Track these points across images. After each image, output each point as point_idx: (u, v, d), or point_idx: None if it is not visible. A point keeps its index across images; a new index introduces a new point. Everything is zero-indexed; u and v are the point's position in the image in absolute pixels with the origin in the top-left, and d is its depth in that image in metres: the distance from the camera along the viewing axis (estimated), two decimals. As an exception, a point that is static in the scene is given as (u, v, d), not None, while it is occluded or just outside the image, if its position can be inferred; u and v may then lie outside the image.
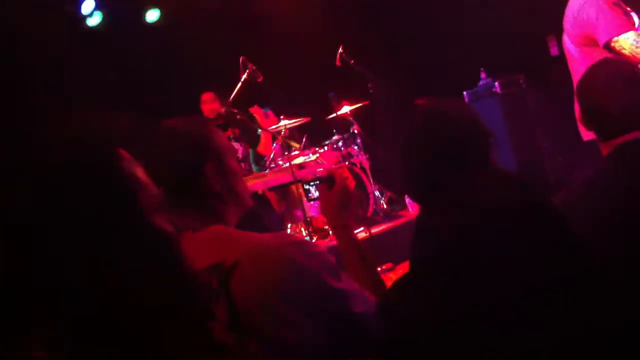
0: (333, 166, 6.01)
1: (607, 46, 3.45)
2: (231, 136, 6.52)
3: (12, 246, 0.90)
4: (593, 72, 2.16)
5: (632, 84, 2.09)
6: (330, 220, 1.86)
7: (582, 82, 2.17)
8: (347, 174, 1.89)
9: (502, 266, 1.27)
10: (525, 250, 1.29)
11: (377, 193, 6.44)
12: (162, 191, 1.52)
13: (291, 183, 4.95)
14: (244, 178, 1.81)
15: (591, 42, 3.52)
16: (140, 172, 1.06)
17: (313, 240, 5.54)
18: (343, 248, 1.81)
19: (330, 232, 5.44)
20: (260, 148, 6.65)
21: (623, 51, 3.42)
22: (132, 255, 0.96)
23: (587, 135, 3.43)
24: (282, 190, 6.12)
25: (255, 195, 5.80)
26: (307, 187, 6.07)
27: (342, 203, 1.83)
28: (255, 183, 5.73)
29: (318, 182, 1.92)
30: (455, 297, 1.29)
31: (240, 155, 6.62)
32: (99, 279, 0.93)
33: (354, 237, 1.82)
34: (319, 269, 1.46)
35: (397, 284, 1.50)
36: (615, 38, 3.42)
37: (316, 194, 6.53)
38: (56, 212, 0.91)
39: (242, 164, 6.60)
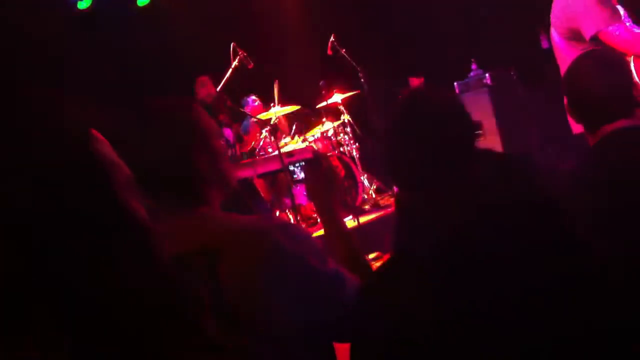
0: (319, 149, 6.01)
1: (594, 39, 3.47)
2: (222, 122, 6.50)
3: (12, 246, 0.89)
4: (578, 62, 2.18)
5: (615, 71, 2.11)
6: (316, 203, 1.86)
7: (568, 72, 2.19)
8: (336, 162, 1.89)
9: (501, 265, 1.27)
10: (525, 248, 1.29)
11: (366, 182, 6.44)
12: (147, 176, 1.51)
13: (280, 171, 4.93)
14: (233, 164, 1.80)
15: (578, 35, 3.54)
16: (113, 154, 1.04)
17: (301, 228, 5.53)
18: (330, 232, 1.81)
19: (319, 220, 5.45)
20: (245, 144, 6.65)
21: (609, 44, 3.44)
22: (131, 253, 0.96)
23: (576, 127, 3.45)
24: (271, 177, 6.12)
25: (243, 182, 5.79)
26: (292, 168, 6.08)
27: (327, 183, 1.83)
28: (244, 170, 5.72)
29: (303, 163, 1.93)
30: (452, 295, 1.29)
31: (231, 140, 6.60)
32: (99, 279, 0.93)
33: (340, 222, 1.82)
34: (305, 252, 1.46)
35: (381, 272, 1.49)
36: (603, 31, 3.44)
37: (301, 175, 6.50)
38: (56, 212, 0.90)
39: (231, 150, 6.58)
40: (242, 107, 6.94)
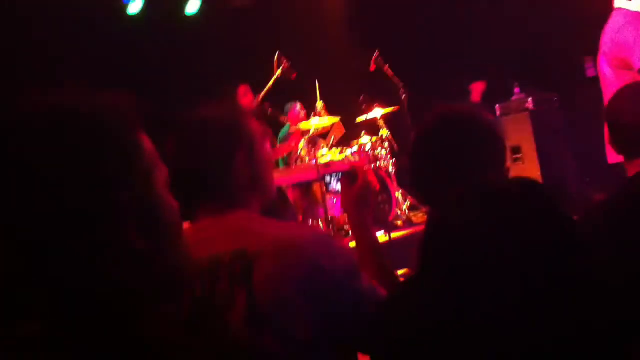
0: (357, 163, 6.02)
1: None
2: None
3: (12, 246, 0.89)
4: (623, 92, 2.17)
5: None
6: (349, 215, 1.87)
7: (611, 101, 2.18)
8: (372, 177, 1.90)
9: (501, 265, 1.28)
10: (525, 249, 1.29)
11: (400, 198, 6.43)
12: (188, 177, 1.54)
13: (315, 181, 4.95)
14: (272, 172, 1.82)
15: (627, 65, 3.50)
16: (154, 153, 1.04)
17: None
18: (361, 245, 1.83)
19: (350, 232, 5.46)
20: (281, 151, 6.70)
21: None
22: (131, 253, 0.95)
23: (612, 157, 3.41)
24: (305, 187, 6.14)
25: (276, 189, 5.81)
26: (327, 179, 6.09)
27: (362, 198, 1.84)
28: (280, 177, 5.76)
29: (340, 175, 1.96)
30: (453, 296, 1.30)
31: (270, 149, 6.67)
32: (99, 279, 0.92)
33: (372, 236, 1.84)
34: (341, 268, 1.47)
35: (400, 285, 1.51)
36: None
37: (337, 187, 6.47)
38: (56, 212, 0.89)
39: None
40: (286, 112, 7.00)
